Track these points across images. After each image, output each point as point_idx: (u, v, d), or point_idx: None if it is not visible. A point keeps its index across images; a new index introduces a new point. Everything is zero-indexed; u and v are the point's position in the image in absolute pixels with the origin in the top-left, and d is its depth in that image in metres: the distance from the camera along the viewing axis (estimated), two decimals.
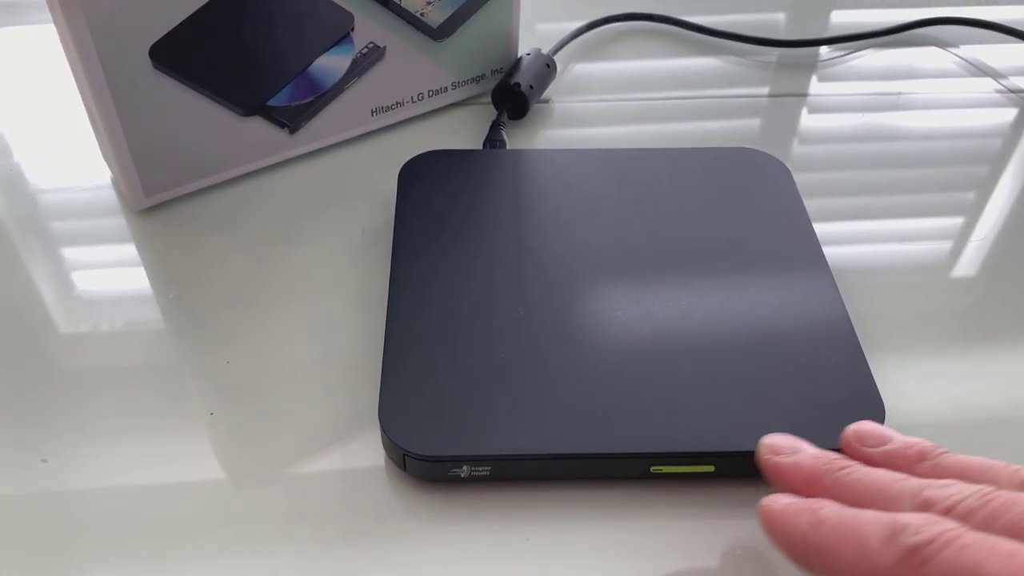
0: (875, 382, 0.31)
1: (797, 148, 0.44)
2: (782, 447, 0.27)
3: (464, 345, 0.31)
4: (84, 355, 0.34)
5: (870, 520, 0.23)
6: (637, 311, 0.33)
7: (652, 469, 0.29)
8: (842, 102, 0.47)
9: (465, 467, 0.29)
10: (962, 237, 0.40)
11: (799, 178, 0.39)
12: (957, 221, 0.40)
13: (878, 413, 0.30)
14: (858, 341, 0.32)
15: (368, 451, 0.31)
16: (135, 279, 0.36)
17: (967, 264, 0.38)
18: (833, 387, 0.30)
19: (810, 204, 0.37)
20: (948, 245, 0.39)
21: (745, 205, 0.37)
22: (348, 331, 0.34)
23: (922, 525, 0.22)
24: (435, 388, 0.30)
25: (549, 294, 0.33)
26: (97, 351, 0.34)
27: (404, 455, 0.29)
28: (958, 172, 0.43)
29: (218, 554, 0.28)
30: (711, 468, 0.29)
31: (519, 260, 0.34)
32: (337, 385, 0.32)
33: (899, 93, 0.47)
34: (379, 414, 0.29)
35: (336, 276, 0.36)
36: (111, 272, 0.37)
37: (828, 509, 0.24)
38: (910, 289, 0.37)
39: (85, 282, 0.36)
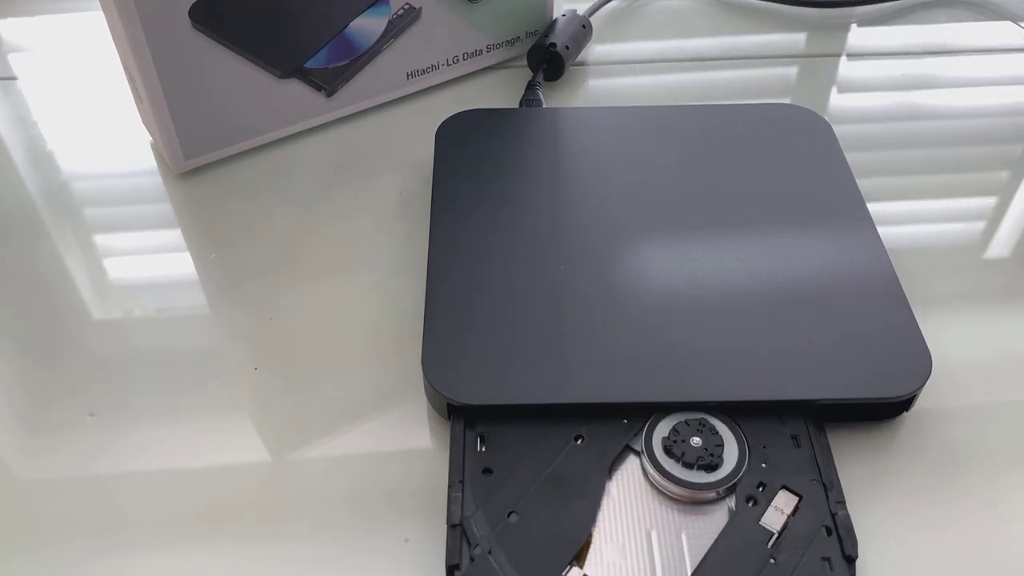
0: (922, 334, 0.30)
1: (836, 104, 0.43)
2: None
3: (505, 298, 0.31)
4: (126, 314, 0.34)
5: None
6: (679, 265, 0.32)
7: None
8: (879, 65, 0.46)
9: None
10: (1008, 192, 0.39)
11: (840, 133, 0.38)
12: (1002, 175, 0.40)
13: (925, 364, 0.29)
14: (904, 294, 0.31)
15: (412, 405, 0.31)
16: (175, 241, 0.37)
17: (1015, 219, 0.38)
18: (880, 339, 0.30)
19: (852, 158, 0.37)
20: (994, 200, 0.38)
21: (787, 160, 0.37)
22: (389, 291, 0.34)
23: None
24: (478, 338, 0.30)
25: (589, 249, 0.33)
26: (139, 312, 0.34)
27: (448, 404, 0.29)
28: (1004, 124, 0.42)
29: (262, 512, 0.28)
30: None
31: (558, 216, 0.34)
32: (379, 345, 0.32)
33: (939, 53, 0.47)
34: (422, 364, 0.29)
35: (375, 238, 0.36)
36: (152, 234, 0.37)
37: None
38: (955, 244, 0.37)
39: (126, 245, 0.37)
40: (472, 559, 0.25)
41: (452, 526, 0.26)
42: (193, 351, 0.32)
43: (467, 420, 0.29)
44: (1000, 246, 0.37)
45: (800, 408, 0.29)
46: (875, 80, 0.45)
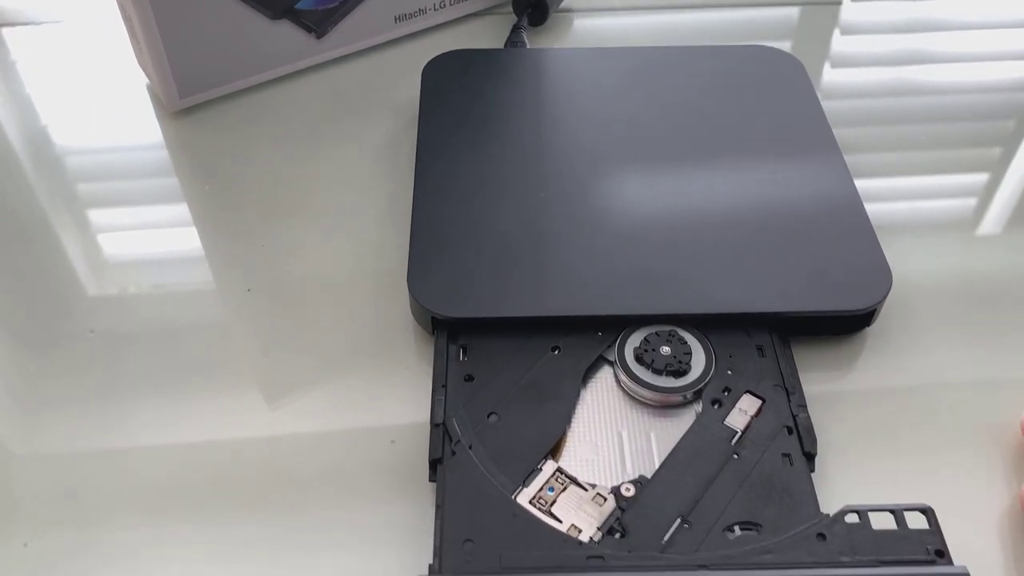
0: (883, 253, 0.32)
1: (826, 51, 0.45)
2: None
3: (487, 221, 0.33)
4: (124, 246, 0.36)
5: None
6: (653, 192, 0.34)
7: None
8: (874, 18, 0.47)
9: None
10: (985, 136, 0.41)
11: (829, 80, 0.40)
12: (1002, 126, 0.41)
13: (886, 279, 0.31)
14: (867, 216, 0.33)
15: (398, 327, 0.32)
16: (170, 177, 0.38)
17: (980, 158, 0.39)
18: (843, 256, 0.32)
19: (831, 105, 0.39)
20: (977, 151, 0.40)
21: (760, 98, 0.38)
22: (376, 224, 0.36)
23: None
24: (460, 257, 0.31)
25: (569, 178, 0.34)
26: (135, 245, 0.36)
27: (432, 319, 0.30)
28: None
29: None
30: None
31: (540, 151, 0.36)
32: (367, 274, 0.34)
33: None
34: (408, 281, 0.31)
35: (363, 175, 0.38)
36: (148, 170, 0.39)
37: None
38: (920, 180, 0.38)
39: (122, 180, 0.38)
40: (453, 452, 0.27)
41: (435, 425, 0.28)
42: (189, 278, 0.34)
43: (450, 333, 0.30)
44: (966, 184, 0.38)
45: (766, 321, 0.30)
46: (876, 24, 0.46)
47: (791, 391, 0.29)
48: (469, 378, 0.29)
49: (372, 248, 0.35)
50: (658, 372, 0.29)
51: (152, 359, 0.31)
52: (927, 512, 0.25)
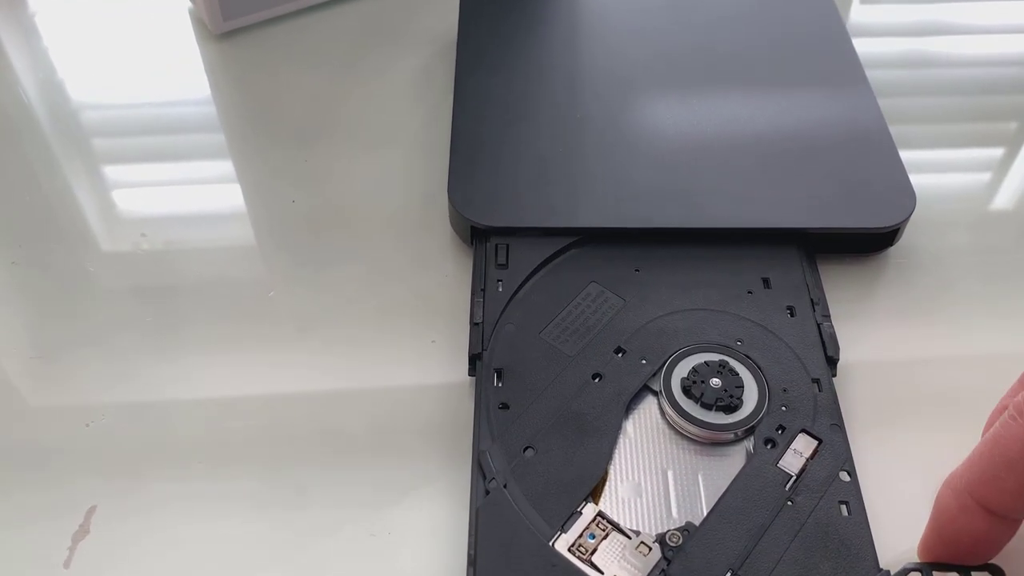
0: (907, 174, 0.32)
1: None
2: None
3: (525, 138, 0.34)
4: (162, 162, 0.37)
5: None
6: (685, 114, 0.35)
7: None
8: None
9: None
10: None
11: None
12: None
13: (910, 199, 0.32)
14: (892, 139, 0.34)
15: (437, 242, 0.33)
16: (211, 98, 0.39)
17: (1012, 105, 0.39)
18: (869, 178, 0.33)
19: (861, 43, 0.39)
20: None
21: (789, 26, 0.39)
22: (414, 150, 0.36)
23: None
24: (498, 171, 0.32)
25: (603, 101, 0.36)
26: (175, 161, 0.37)
27: (472, 227, 0.31)
28: None
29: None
30: None
31: (575, 72, 0.37)
32: (407, 194, 0.35)
33: None
34: (448, 191, 0.31)
35: (400, 101, 0.39)
36: (190, 93, 0.39)
37: None
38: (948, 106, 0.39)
39: (163, 100, 0.39)
40: (487, 492, 0.25)
41: (474, 324, 0.29)
42: (224, 192, 0.36)
43: (487, 239, 0.31)
44: (990, 108, 0.39)
45: (793, 238, 0.31)
46: None
47: (816, 301, 0.30)
48: (504, 406, 0.27)
49: (411, 170, 0.36)
50: (707, 407, 0.27)
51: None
52: (995, 572, 0.23)
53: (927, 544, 0.24)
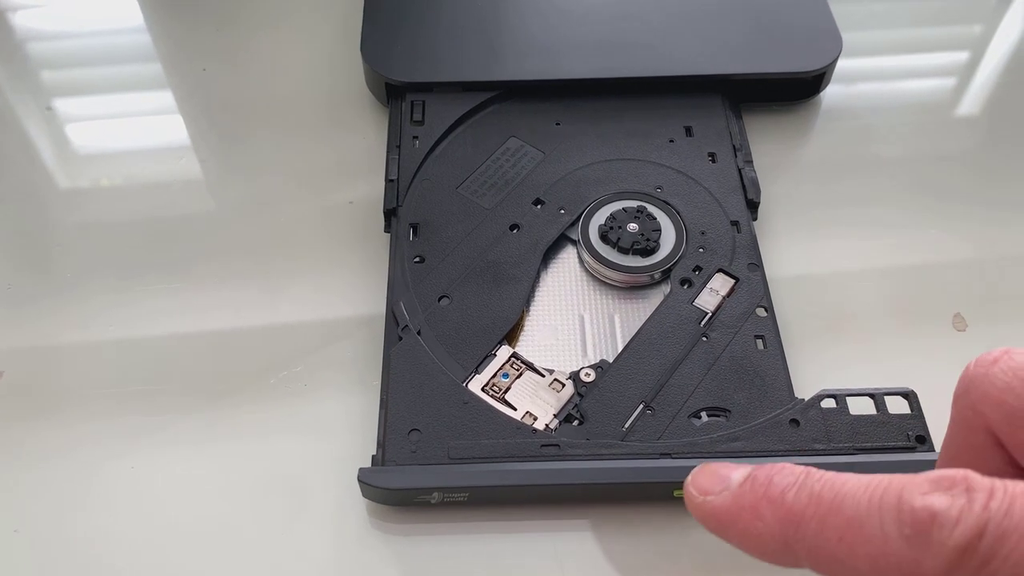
0: (834, 18, 0.32)
1: None
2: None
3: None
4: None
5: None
6: None
7: None
8: None
9: None
10: None
11: None
12: None
13: (835, 43, 0.31)
14: None
15: (352, 105, 0.33)
16: None
17: None
18: (794, 23, 0.32)
19: None
20: None
21: None
22: (327, 15, 0.36)
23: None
24: (412, 26, 0.32)
25: None
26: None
27: (386, 84, 0.30)
28: None
29: None
30: None
31: None
32: (322, 56, 0.34)
33: None
34: (361, 50, 0.31)
35: None
36: None
37: None
38: None
39: None
40: (400, 338, 0.25)
41: (389, 181, 0.28)
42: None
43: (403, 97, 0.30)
44: None
45: (717, 86, 0.31)
46: None
47: (738, 148, 0.29)
48: (420, 259, 0.27)
49: (324, 34, 0.35)
50: (624, 251, 0.27)
51: None
52: (909, 396, 0.24)
53: None
